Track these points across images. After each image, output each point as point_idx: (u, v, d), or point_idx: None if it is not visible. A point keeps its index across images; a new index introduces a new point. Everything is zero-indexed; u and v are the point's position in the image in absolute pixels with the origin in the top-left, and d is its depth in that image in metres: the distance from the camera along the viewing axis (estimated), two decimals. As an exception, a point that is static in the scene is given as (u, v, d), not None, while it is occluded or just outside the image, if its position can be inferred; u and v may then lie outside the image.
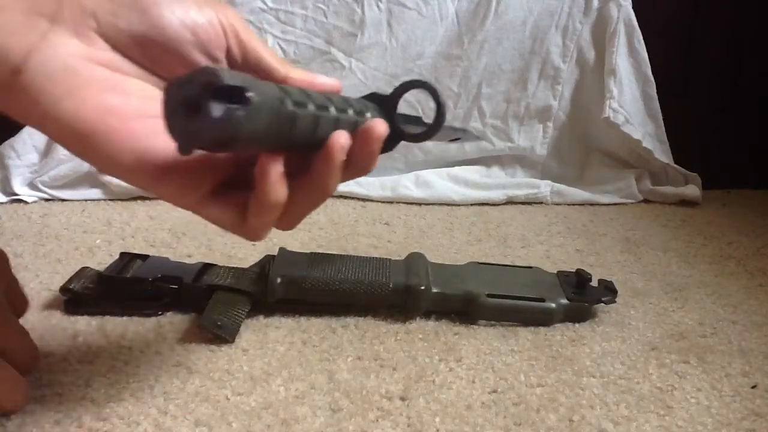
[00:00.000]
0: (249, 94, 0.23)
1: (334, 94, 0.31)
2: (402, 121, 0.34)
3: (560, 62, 0.87)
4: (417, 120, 0.37)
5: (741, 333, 0.51)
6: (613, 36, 0.85)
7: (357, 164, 0.31)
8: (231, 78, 0.23)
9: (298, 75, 0.32)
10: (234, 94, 0.23)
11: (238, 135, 0.23)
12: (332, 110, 0.29)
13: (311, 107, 0.27)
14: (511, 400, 0.41)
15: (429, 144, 0.88)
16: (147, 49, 0.28)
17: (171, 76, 0.29)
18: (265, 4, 0.81)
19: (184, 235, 0.65)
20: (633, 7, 0.85)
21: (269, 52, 0.32)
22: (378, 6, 0.82)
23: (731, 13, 0.93)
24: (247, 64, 0.31)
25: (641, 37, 0.86)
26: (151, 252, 0.53)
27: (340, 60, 0.83)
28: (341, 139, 0.29)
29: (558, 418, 0.39)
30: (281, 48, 0.82)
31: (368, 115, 0.32)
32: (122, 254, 0.53)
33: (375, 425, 0.38)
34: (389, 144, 0.33)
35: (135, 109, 0.28)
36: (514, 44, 0.86)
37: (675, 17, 0.93)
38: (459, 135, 0.44)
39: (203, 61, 0.29)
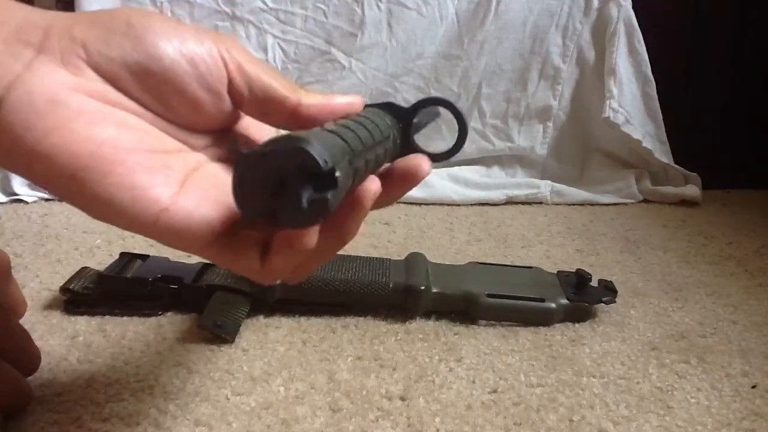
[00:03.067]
0: (338, 175, 0.21)
1: (367, 120, 0.28)
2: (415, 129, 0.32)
3: (560, 62, 0.87)
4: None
5: (741, 333, 0.51)
6: (613, 36, 0.85)
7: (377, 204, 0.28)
8: (326, 160, 0.20)
9: (311, 101, 0.29)
10: (323, 176, 0.21)
11: (322, 220, 0.21)
12: (378, 149, 0.27)
13: (364, 154, 0.25)
14: (511, 400, 0.41)
15: (429, 144, 0.88)
16: (141, 81, 0.26)
17: (166, 111, 0.27)
18: (265, 4, 0.80)
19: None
20: (633, 7, 0.85)
21: (278, 80, 0.29)
22: (378, 6, 0.82)
23: (731, 13, 0.93)
24: (254, 96, 0.28)
25: (641, 37, 0.86)
26: (151, 252, 0.53)
27: (340, 60, 0.83)
28: (373, 186, 0.26)
29: (558, 418, 0.39)
30: (281, 48, 0.82)
31: (391, 136, 0.30)
32: (122, 254, 0.53)
33: (375, 425, 0.38)
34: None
35: (130, 141, 0.25)
36: (514, 44, 0.86)
37: (675, 17, 0.93)
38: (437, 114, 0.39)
39: (202, 94, 0.27)
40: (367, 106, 0.31)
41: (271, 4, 0.81)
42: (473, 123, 0.88)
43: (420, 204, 0.82)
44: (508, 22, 0.85)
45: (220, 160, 0.29)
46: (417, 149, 0.32)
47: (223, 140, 0.30)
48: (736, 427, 0.39)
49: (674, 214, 0.83)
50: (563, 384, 0.43)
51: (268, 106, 0.29)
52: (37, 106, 0.23)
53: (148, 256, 0.52)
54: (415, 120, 0.32)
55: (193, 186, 0.26)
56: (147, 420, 0.37)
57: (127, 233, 0.65)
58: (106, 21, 0.25)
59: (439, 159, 0.32)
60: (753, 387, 0.43)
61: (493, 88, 0.87)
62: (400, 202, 0.82)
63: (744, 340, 0.50)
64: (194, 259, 0.54)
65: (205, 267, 0.51)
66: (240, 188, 0.22)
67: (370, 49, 0.83)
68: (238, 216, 0.27)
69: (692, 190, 0.87)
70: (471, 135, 0.88)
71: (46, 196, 0.76)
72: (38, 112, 0.23)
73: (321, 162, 0.20)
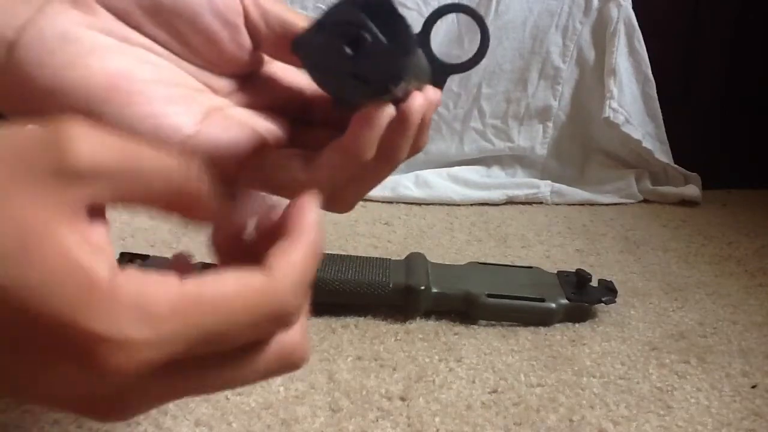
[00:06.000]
0: (400, 13, 0.20)
1: None
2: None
3: (560, 62, 0.87)
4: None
5: (741, 333, 0.51)
6: (613, 36, 0.85)
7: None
8: None
9: None
10: (390, 15, 0.20)
11: (410, 62, 0.20)
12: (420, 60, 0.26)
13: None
14: (511, 400, 0.41)
15: (429, 144, 0.88)
16: (153, 16, 0.25)
17: (183, 49, 0.26)
18: (265, 4, 0.80)
19: (184, 235, 0.64)
20: (633, 7, 0.85)
21: (294, 15, 0.28)
22: (378, 6, 0.82)
23: (731, 13, 0.93)
24: (273, 30, 0.27)
25: (641, 37, 0.86)
26: (151, 252, 0.53)
27: (340, 60, 0.83)
28: (419, 99, 0.26)
29: (558, 418, 0.39)
30: (281, 48, 0.82)
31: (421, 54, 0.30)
32: (122, 254, 0.53)
33: (375, 425, 0.38)
34: (438, 81, 0.31)
35: (149, 73, 0.25)
36: (514, 44, 0.85)
37: (675, 17, 0.93)
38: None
39: (218, 26, 0.26)
40: None
41: (271, 4, 0.81)
42: (473, 123, 0.88)
43: (420, 204, 0.82)
44: (508, 22, 0.84)
45: (247, 106, 0.29)
46: (441, 63, 0.32)
47: (248, 86, 0.29)
48: (736, 427, 0.39)
49: (674, 214, 0.83)
50: (563, 384, 0.43)
51: (285, 41, 0.27)
52: (49, 44, 0.23)
53: (148, 256, 0.52)
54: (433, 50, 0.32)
55: (217, 117, 0.25)
56: (147, 420, 0.37)
57: (126, 233, 0.64)
58: None
59: (464, 68, 0.32)
60: (753, 387, 0.43)
61: (493, 88, 0.87)
62: (400, 202, 0.82)
63: (744, 340, 0.50)
64: (194, 259, 0.54)
65: (204, 267, 0.51)
66: (312, 65, 0.21)
67: (370, 49, 0.83)
68: (271, 137, 0.27)
69: (692, 190, 0.87)
70: (471, 135, 0.88)
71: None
72: (50, 50, 0.23)
73: None
